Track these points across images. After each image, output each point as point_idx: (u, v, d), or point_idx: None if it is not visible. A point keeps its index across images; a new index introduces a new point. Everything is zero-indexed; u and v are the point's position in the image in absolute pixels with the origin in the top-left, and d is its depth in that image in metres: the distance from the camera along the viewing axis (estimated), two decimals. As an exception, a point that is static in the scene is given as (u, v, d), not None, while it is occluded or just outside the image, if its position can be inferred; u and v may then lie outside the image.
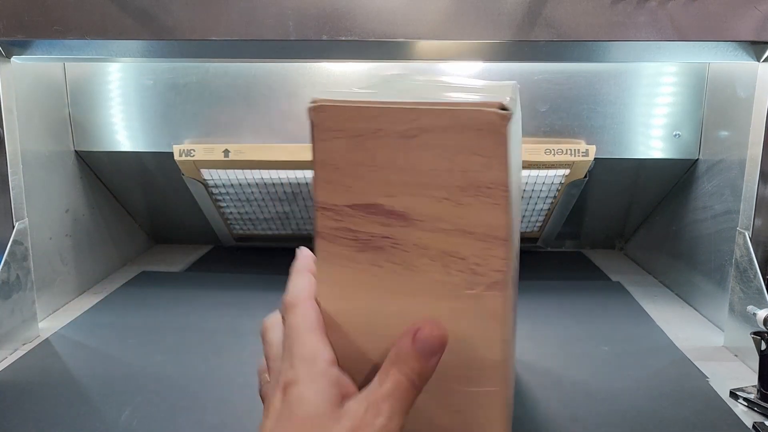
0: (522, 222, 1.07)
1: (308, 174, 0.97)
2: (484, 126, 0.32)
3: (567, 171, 0.94)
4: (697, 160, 0.94)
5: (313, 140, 0.34)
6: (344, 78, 0.92)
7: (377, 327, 0.36)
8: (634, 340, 0.79)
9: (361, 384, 0.36)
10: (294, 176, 0.97)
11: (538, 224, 1.09)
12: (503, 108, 0.31)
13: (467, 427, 0.37)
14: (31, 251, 0.80)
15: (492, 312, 0.35)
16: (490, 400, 0.36)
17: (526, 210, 1.04)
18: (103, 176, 1.04)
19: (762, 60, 0.74)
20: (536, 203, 1.02)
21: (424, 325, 0.34)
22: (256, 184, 0.99)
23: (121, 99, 0.95)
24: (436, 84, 0.52)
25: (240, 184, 0.99)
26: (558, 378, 0.69)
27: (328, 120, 0.33)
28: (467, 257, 0.34)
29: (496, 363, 0.35)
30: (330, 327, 0.37)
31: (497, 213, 0.33)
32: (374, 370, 0.36)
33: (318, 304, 0.38)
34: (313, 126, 0.34)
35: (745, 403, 0.64)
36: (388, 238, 0.35)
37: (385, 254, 0.35)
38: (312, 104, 0.34)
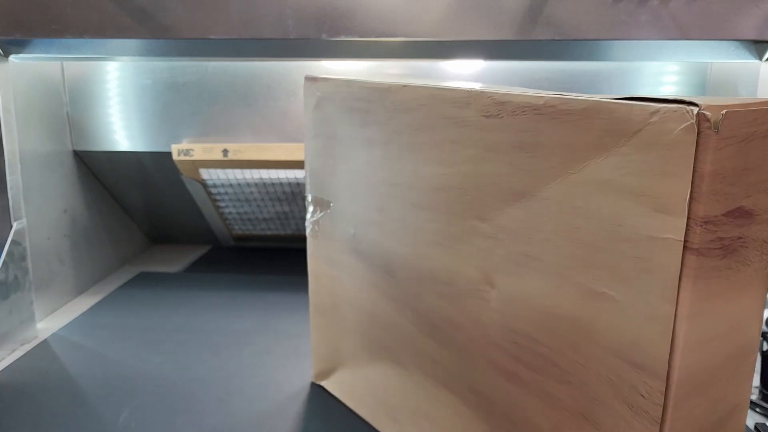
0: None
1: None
2: None
3: (568, 171, 0.94)
4: (698, 159, 0.94)
5: (702, 150, 0.32)
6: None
7: (722, 329, 0.37)
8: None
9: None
10: (293, 176, 0.97)
11: (539, 224, 1.08)
12: None
13: (738, 395, 0.40)
14: (29, 251, 0.79)
15: (751, 294, 0.37)
16: (752, 368, 0.40)
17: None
18: (102, 176, 1.04)
19: (764, 59, 0.73)
20: (536, 203, 1.02)
21: None
22: (255, 183, 0.99)
23: (120, 98, 0.95)
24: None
25: (239, 184, 0.99)
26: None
27: (728, 127, 0.32)
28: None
29: (758, 334, 0.39)
30: (690, 347, 0.36)
31: None
32: (713, 375, 0.37)
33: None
34: (709, 135, 0.32)
35: (748, 404, 0.64)
36: (741, 238, 0.36)
37: (736, 256, 0.36)
38: (707, 112, 0.32)
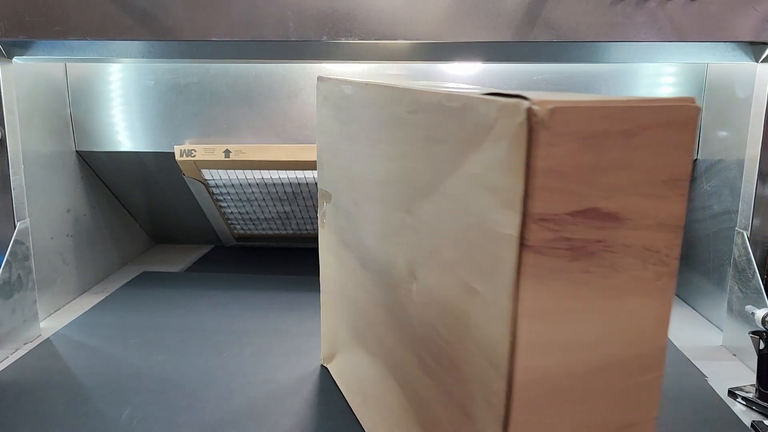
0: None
1: (308, 174, 0.97)
2: (689, 120, 0.33)
3: (566, 171, 0.94)
4: (696, 160, 0.94)
5: (534, 146, 0.32)
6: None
7: (585, 336, 0.36)
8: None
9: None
10: (294, 176, 0.97)
11: (538, 224, 1.09)
12: (693, 102, 0.34)
13: (631, 412, 0.38)
14: (32, 251, 0.80)
15: (668, 299, 0.37)
16: (655, 385, 0.38)
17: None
18: (104, 176, 1.05)
19: (760, 60, 0.74)
20: (536, 203, 1.02)
21: None
22: (257, 184, 0.99)
23: (122, 99, 0.96)
24: None
25: (240, 184, 1.00)
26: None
27: (562, 123, 0.32)
28: (661, 249, 0.35)
29: (662, 349, 0.37)
30: (536, 348, 0.35)
31: (683, 203, 0.35)
32: (582, 384, 0.36)
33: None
34: (538, 130, 0.31)
35: (744, 402, 0.64)
36: (600, 241, 0.34)
37: (595, 259, 0.34)
38: (536, 107, 0.31)
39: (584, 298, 0.35)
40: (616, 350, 0.36)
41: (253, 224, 1.11)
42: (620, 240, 0.35)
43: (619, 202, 0.34)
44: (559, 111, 0.31)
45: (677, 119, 0.33)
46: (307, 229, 1.11)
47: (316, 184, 0.86)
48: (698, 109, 0.34)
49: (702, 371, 0.71)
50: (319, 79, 0.64)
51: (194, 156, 0.93)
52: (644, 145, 0.33)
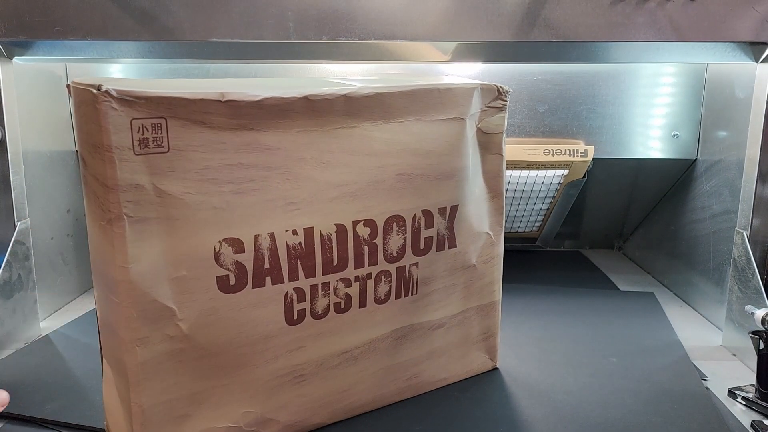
0: (521, 222, 1.08)
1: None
2: (90, 102, 0.44)
3: (566, 171, 0.95)
4: (696, 160, 0.95)
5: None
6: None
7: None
8: (632, 339, 0.79)
9: None
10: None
11: (537, 224, 1.09)
12: (99, 89, 0.44)
13: (114, 325, 0.50)
14: (32, 251, 0.80)
15: (109, 237, 0.47)
16: (116, 308, 0.48)
17: (524, 210, 1.04)
18: (104, 176, 1.05)
19: (760, 60, 0.74)
20: (535, 203, 1.02)
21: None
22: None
23: (122, 99, 0.95)
24: None
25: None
26: (558, 377, 0.69)
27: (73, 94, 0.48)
28: (99, 196, 0.47)
29: (117, 280, 0.47)
30: None
31: (105, 166, 0.45)
32: None
33: None
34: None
35: (744, 402, 0.64)
36: (84, 176, 0.49)
37: (85, 188, 0.49)
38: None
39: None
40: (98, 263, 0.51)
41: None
42: (88, 181, 0.48)
43: (82, 152, 0.49)
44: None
45: (88, 101, 0.44)
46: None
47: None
48: (94, 95, 0.44)
49: (702, 371, 0.71)
50: None
51: (194, 156, 0.93)
52: (82, 116, 0.46)
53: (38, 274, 0.82)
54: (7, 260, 0.76)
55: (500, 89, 0.64)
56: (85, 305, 0.91)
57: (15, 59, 0.78)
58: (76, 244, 0.95)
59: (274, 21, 0.70)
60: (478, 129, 0.63)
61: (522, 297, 0.92)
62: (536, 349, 0.76)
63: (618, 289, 0.99)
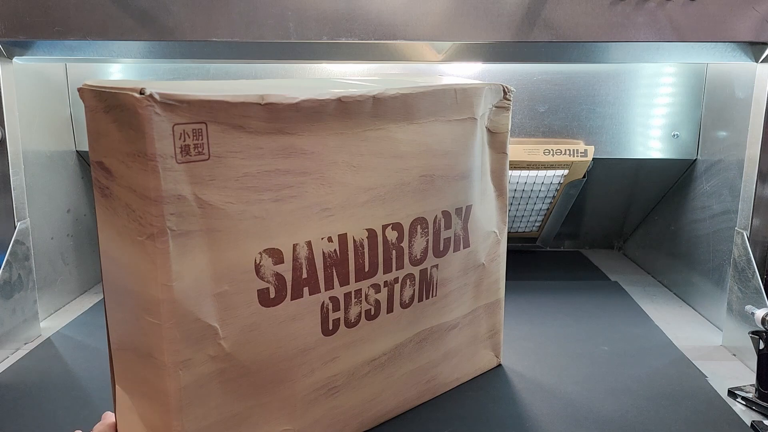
0: (521, 222, 1.08)
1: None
2: (130, 107, 0.41)
3: (566, 171, 0.94)
4: (696, 160, 0.95)
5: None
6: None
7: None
8: (633, 339, 0.79)
9: None
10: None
11: (537, 224, 1.09)
12: (142, 92, 0.40)
13: (148, 348, 0.45)
14: (32, 251, 0.80)
15: (150, 254, 0.43)
16: (157, 330, 0.44)
17: (525, 210, 1.04)
18: (104, 176, 1.05)
19: (760, 61, 0.74)
20: (535, 203, 1.02)
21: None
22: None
23: (122, 99, 0.95)
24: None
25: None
26: (558, 377, 0.69)
27: (85, 98, 0.45)
28: (136, 210, 0.43)
29: (159, 300, 0.43)
30: None
31: (147, 176, 0.41)
32: None
33: None
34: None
35: (744, 402, 0.64)
36: (108, 188, 0.45)
37: (108, 201, 0.45)
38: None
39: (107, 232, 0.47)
40: (129, 282, 0.46)
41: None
42: (114, 191, 0.45)
43: (108, 162, 0.44)
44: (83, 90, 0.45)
45: (127, 105, 0.41)
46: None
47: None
48: (137, 99, 0.40)
49: (702, 371, 0.71)
50: None
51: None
52: (114, 121, 0.43)
53: (38, 274, 0.82)
54: (7, 260, 0.76)
55: (506, 89, 0.64)
56: (84, 305, 0.91)
57: (15, 59, 0.78)
58: (76, 244, 0.95)
59: (274, 21, 0.70)
60: (486, 128, 0.64)
61: (522, 296, 0.93)
62: (530, 343, 0.76)
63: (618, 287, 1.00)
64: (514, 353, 0.74)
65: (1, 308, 0.74)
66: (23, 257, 0.79)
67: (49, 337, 0.79)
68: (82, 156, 0.98)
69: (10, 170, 0.76)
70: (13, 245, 0.76)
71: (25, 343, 0.78)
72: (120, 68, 0.94)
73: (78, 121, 0.95)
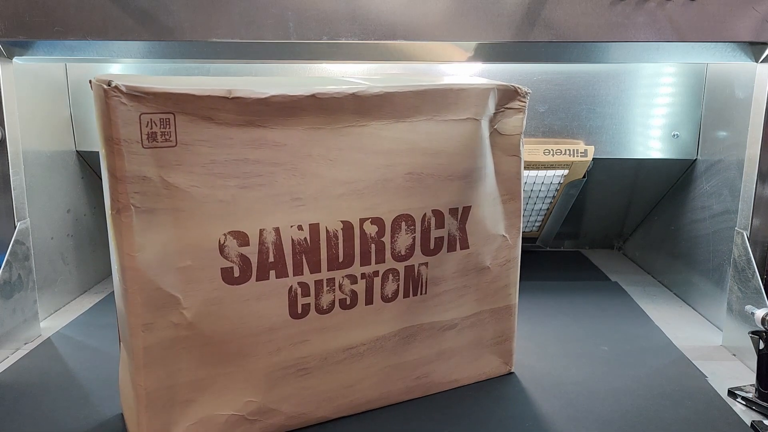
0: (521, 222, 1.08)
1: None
2: (102, 97, 0.47)
3: (566, 171, 0.95)
4: (696, 160, 0.95)
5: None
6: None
7: None
8: (633, 339, 0.79)
9: None
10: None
11: (537, 224, 1.09)
12: (109, 84, 0.46)
13: (125, 309, 0.50)
14: (32, 251, 0.80)
15: (119, 229, 0.49)
16: (125, 294, 0.50)
17: (525, 210, 1.04)
18: (104, 176, 1.05)
19: (760, 60, 0.74)
20: (535, 203, 1.02)
21: None
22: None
23: (122, 99, 0.95)
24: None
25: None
26: (558, 377, 0.69)
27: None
28: (110, 187, 0.49)
29: (124, 267, 0.49)
30: None
31: (114, 158, 0.47)
32: None
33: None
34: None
35: (744, 402, 0.64)
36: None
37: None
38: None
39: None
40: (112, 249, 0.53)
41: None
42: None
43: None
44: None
45: (102, 96, 0.46)
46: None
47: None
48: (105, 90, 0.46)
49: (702, 371, 0.71)
50: None
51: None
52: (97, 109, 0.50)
53: (38, 274, 0.82)
54: (7, 260, 0.76)
55: (518, 90, 0.63)
56: (84, 305, 0.91)
57: (15, 59, 0.78)
58: (76, 244, 0.95)
59: (274, 21, 0.70)
60: (494, 130, 0.63)
61: (522, 296, 0.92)
62: (530, 343, 0.76)
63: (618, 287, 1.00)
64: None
65: (1, 308, 0.74)
66: (23, 257, 0.79)
67: (49, 337, 0.79)
68: (82, 156, 0.98)
69: (10, 170, 0.76)
70: (13, 245, 0.76)
71: (25, 343, 0.78)
72: (120, 68, 0.94)
73: (78, 121, 0.95)
